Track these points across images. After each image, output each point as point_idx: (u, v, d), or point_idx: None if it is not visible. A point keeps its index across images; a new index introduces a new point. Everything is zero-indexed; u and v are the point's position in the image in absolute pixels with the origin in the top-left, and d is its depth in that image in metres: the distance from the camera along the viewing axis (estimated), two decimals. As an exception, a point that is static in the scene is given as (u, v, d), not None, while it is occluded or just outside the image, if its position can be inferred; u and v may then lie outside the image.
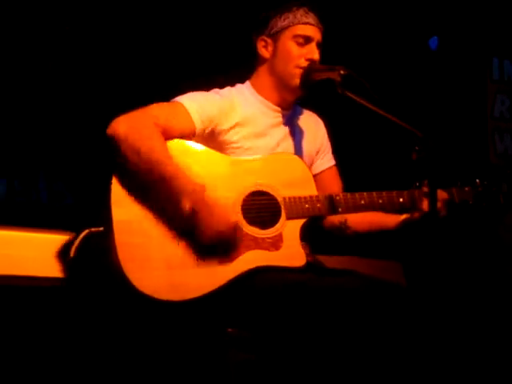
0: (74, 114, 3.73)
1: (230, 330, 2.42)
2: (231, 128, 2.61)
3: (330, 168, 2.88)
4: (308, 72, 2.65)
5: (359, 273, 2.58)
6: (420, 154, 2.29)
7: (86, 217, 2.74)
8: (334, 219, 2.77)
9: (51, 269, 2.59)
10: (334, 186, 2.85)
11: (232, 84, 2.78)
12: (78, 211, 3.65)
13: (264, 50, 2.72)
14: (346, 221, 2.77)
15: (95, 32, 3.76)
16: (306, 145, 2.79)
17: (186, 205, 2.29)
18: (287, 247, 2.48)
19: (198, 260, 2.38)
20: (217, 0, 3.89)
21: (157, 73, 3.77)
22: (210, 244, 2.33)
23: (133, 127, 2.38)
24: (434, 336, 2.29)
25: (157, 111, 2.48)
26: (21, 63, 3.67)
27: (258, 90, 2.74)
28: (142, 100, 2.50)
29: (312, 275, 2.47)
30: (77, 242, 2.49)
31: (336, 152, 2.92)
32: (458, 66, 4.48)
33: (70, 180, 3.75)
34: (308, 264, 2.53)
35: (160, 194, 2.34)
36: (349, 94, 2.49)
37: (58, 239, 2.67)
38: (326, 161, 2.87)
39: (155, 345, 2.58)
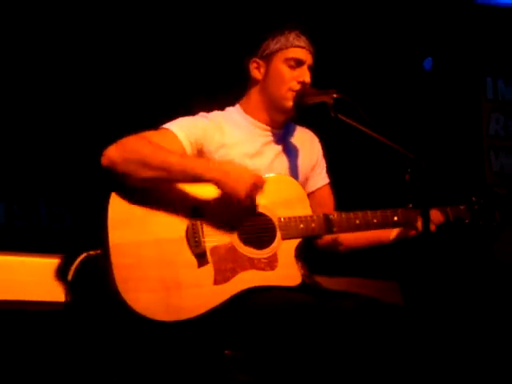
0: (71, 139, 3.76)
1: (227, 352, 2.43)
2: (218, 149, 2.64)
3: (324, 186, 2.89)
4: (301, 95, 2.67)
5: (356, 293, 2.60)
6: (412, 175, 2.32)
7: (84, 239, 2.77)
8: (327, 236, 2.78)
9: (51, 293, 2.61)
10: (328, 204, 2.86)
11: (221, 108, 2.82)
12: (78, 234, 3.66)
13: (256, 71, 2.74)
14: (337, 237, 2.79)
15: (85, 65, 3.80)
16: (300, 162, 2.81)
17: (210, 175, 2.42)
18: (282, 267, 2.50)
19: (193, 281, 2.41)
20: (206, 23, 3.92)
21: (148, 100, 3.79)
22: (247, 192, 2.44)
23: (127, 147, 2.45)
24: (433, 354, 2.30)
25: (148, 137, 2.53)
26: (20, 86, 3.70)
27: (249, 111, 2.76)
28: (133, 128, 2.55)
29: (308, 296, 2.48)
30: (74, 266, 2.51)
31: (330, 172, 2.94)
32: (452, 86, 4.51)
33: (70, 203, 3.77)
34: (305, 284, 2.55)
35: (162, 218, 2.44)
36: (342, 117, 2.52)
37: (56, 263, 2.71)
38: (321, 179, 2.89)
39: (153, 366, 2.59)
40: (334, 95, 2.54)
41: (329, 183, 2.90)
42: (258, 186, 2.47)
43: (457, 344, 3.64)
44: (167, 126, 2.61)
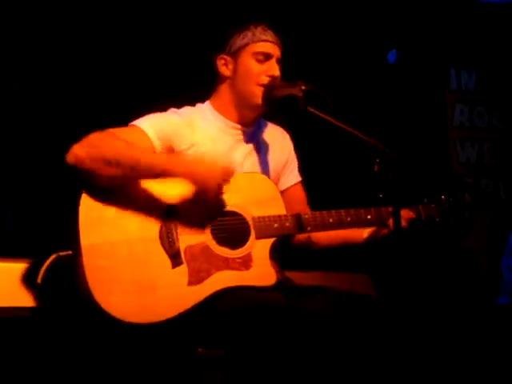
0: (38, 139, 3.71)
1: (200, 349, 2.42)
2: (189, 148, 2.61)
3: (296, 184, 2.88)
4: (269, 89, 2.65)
5: (329, 288, 2.60)
6: (381, 165, 2.31)
7: (54, 242, 2.72)
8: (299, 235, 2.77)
9: (18, 298, 2.57)
10: (300, 202, 2.86)
11: (192, 104, 2.79)
12: (47, 236, 3.61)
13: (224, 68, 2.72)
14: (310, 236, 2.78)
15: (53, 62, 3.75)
16: (271, 159, 2.80)
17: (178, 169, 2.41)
18: (257, 267, 2.49)
19: (167, 282, 2.38)
20: (174, 20, 3.89)
21: (113, 98, 3.76)
22: (216, 184, 2.42)
23: (93, 145, 2.40)
24: (407, 346, 2.30)
25: (114, 133, 2.49)
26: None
27: (218, 109, 2.74)
28: (99, 125, 2.50)
29: (280, 295, 2.48)
30: (44, 268, 2.47)
31: (300, 166, 2.93)
32: (416, 78, 4.54)
33: (38, 205, 3.71)
34: (277, 281, 2.53)
35: (134, 218, 2.41)
36: (311, 110, 2.51)
37: (24, 268, 2.66)
38: (293, 177, 2.88)
39: (128, 368, 2.56)
40: (303, 87, 2.53)
41: (301, 181, 2.89)
42: (227, 176, 2.45)
43: (430, 335, 3.66)
44: (136, 122, 2.58)
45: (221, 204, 2.50)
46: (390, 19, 4.44)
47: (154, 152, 2.52)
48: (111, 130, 2.49)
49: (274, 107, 2.71)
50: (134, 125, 2.57)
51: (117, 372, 2.59)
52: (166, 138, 2.56)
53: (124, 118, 2.64)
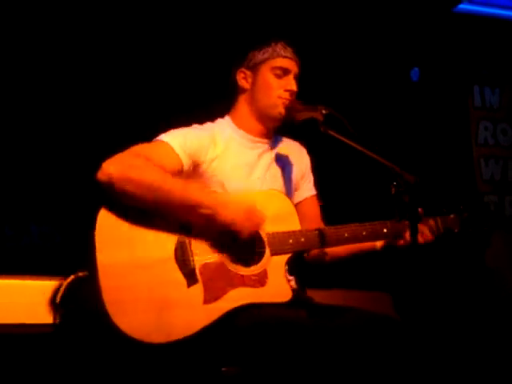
0: (60, 158, 3.76)
1: (224, 369, 2.42)
2: (212, 160, 2.64)
3: (311, 197, 2.90)
4: (290, 110, 2.70)
5: (349, 308, 2.59)
6: (398, 188, 2.33)
7: (75, 260, 2.75)
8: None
9: (40, 315, 2.60)
10: (314, 215, 2.87)
11: (212, 119, 2.83)
12: (68, 253, 3.65)
13: (244, 81, 2.78)
14: (324, 253, 2.79)
15: (77, 77, 3.80)
16: (289, 172, 2.82)
17: (204, 210, 2.40)
18: (272, 283, 2.49)
19: (183, 300, 2.39)
20: (193, 36, 3.94)
21: (135, 113, 3.80)
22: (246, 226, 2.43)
23: (130, 165, 2.42)
24: (429, 364, 2.30)
25: (145, 151, 2.52)
26: (8, 107, 3.71)
27: (238, 123, 2.78)
28: (121, 141, 2.52)
29: (301, 311, 2.48)
30: (62, 289, 2.49)
31: (318, 185, 2.95)
32: (439, 96, 4.53)
33: (59, 222, 3.76)
34: (297, 300, 2.54)
35: (150, 238, 2.41)
36: (331, 133, 2.53)
37: (47, 285, 2.69)
38: (308, 189, 2.90)
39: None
40: (323, 111, 2.56)
41: (316, 195, 2.91)
42: (255, 218, 2.47)
43: (452, 353, 3.63)
44: (163, 138, 2.60)
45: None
46: (413, 37, 4.44)
47: (186, 184, 2.52)
48: (141, 149, 2.52)
49: (293, 128, 2.76)
50: (161, 140, 2.60)
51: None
52: (191, 152, 2.60)
53: (145, 132, 2.65)
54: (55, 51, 3.78)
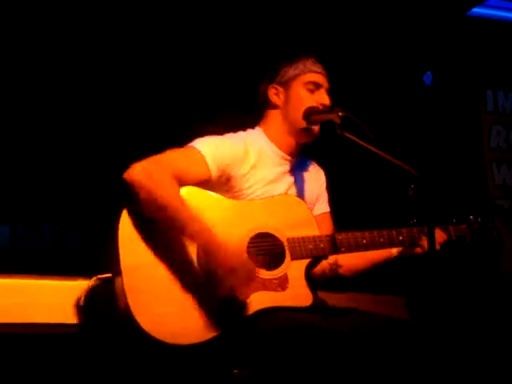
0: (76, 159, 3.77)
1: (236, 371, 2.42)
2: (245, 174, 2.65)
3: (324, 213, 2.90)
4: (308, 113, 2.71)
5: (362, 311, 2.61)
6: (416, 191, 2.34)
7: (92, 261, 2.76)
8: (324, 262, 2.76)
9: (64, 315, 2.60)
10: (326, 230, 2.84)
11: (243, 128, 2.83)
12: (83, 254, 3.67)
13: (276, 97, 2.78)
14: (336, 260, 2.80)
15: (100, 78, 3.82)
16: (308, 191, 2.84)
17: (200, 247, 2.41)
18: (293, 287, 2.50)
19: (205, 303, 2.40)
20: (224, 49, 3.98)
21: (164, 117, 3.82)
22: (226, 282, 2.39)
23: (151, 176, 2.43)
24: (441, 368, 2.30)
25: (173, 158, 2.53)
26: (21, 106, 3.73)
27: (271, 136, 2.78)
28: (151, 145, 2.55)
29: (316, 316, 2.49)
30: (85, 290, 2.50)
31: (334, 191, 2.97)
32: (452, 100, 4.54)
33: (74, 223, 3.77)
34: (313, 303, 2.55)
35: (173, 240, 2.43)
36: (347, 135, 2.54)
37: (69, 285, 2.70)
38: (322, 207, 2.91)
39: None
40: (340, 113, 2.57)
41: (329, 212, 2.92)
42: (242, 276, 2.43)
43: (464, 358, 3.63)
44: (196, 145, 2.61)
45: (255, 226, 2.54)
46: (426, 41, 4.45)
47: (210, 180, 2.56)
48: (172, 156, 2.54)
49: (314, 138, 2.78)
50: (193, 147, 2.61)
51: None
52: (223, 165, 2.60)
53: (177, 138, 2.67)
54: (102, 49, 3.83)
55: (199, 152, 2.58)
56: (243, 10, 4.01)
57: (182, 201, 2.45)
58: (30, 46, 3.73)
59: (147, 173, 2.44)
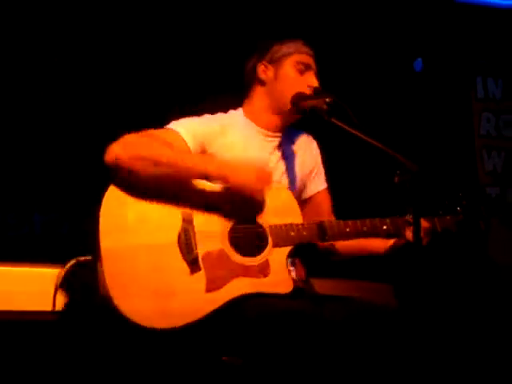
0: (63, 144, 3.77)
1: (224, 358, 2.43)
2: (218, 151, 2.65)
3: (322, 191, 2.90)
4: (296, 99, 2.70)
5: (351, 297, 2.61)
6: (402, 177, 2.32)
7: (80, 246, 2.76)
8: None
9: (42, 302, 2.60)
10: (325, 209, 2.88)
11: (225, 110, 2.83)
12: (74, 241, 3.66)
13: (264, 74, 2.78)
14: (333, 245, 2.80)
15: (85, 64, 3.81)
16: (299, 167, 2.83)
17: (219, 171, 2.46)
18: (274, 274, 2.50)
19: (186, 287, 2.40)
20: (208, 28, 3.96)
21: (144, 102, 3.81)
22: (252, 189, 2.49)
23: (128, 145, 2.46)
24: (429, 356, 2.30)
25: (149, 134, 2.54)
26: (11, 95, 3.71)
27: (252, 117, 2.79)
28: (128, 130, 2.54)
29: (304, 302, 2.50)
30: (63, 272, 2.50)
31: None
32: (442, 87, 4.53)
33: (64, 210, 3.76)
34: (299, 289, 2.56)
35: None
36: (334, 121, 2.54)
37: (48, 272, 2.70)
38: (319, 183, 2.90)
39: (148, 374, 2.59)
40: (327, 99, 2.57)
41: (327, 188, 2.92)
42: (266, 178, 2.51)
43: (452, 346, 3.64)
44: (172, 125, 2.63)
45: (239, 212, 2.53)
46: (416, 27, 4.44)
47: (193, 153, 2.58)
48: (147, 132, 2.55)
49: (301, 116, 2.77)
50: (169, 128, 2.62)
51: (135, 377, 2.61)
52: (199, 141, 2.61)
53: (155, 121, 2.68)
54: (70, 43, 3.79)
55: (175, 131, 2.60)
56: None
57: (172, 148, 2.47)
58: (15, 38, 3.71)
59: (123, 144, 2.46)
